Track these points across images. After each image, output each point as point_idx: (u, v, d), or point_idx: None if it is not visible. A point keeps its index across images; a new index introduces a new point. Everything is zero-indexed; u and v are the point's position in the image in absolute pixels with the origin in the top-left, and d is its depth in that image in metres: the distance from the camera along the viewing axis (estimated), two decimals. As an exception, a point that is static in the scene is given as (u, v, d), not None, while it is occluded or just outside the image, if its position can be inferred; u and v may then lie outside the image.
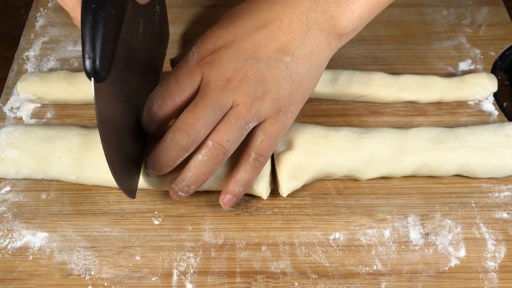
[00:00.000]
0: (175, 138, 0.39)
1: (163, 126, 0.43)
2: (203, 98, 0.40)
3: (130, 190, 0.42)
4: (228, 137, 0.40)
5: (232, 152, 0.41)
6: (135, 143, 0.43)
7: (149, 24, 0.45)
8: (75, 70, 0.57)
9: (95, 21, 0.31)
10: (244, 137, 0.42)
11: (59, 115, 0.54)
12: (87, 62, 0.31)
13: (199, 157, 0.40)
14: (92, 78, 0.32)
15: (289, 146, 0.47)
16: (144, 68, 0.45)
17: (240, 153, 0.43)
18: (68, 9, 0.35)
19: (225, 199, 0.44)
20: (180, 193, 0.43)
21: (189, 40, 0.59)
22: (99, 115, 0.35)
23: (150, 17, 0.46)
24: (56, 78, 0.53)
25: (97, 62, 0.31)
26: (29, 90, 0.53)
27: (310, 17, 0.40)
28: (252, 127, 0.41)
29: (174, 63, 0.50)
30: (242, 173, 0.43)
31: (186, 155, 0.41)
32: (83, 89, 0.53)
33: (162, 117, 0.42)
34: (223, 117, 0.41)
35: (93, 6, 0.31)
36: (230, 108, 0.41)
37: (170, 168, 0.42)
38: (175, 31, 0.60)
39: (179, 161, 0.41)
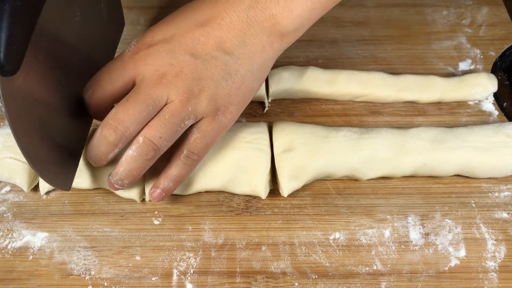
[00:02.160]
0: (103, 134, 0.39)
1: (99, 114, 0.42)
2: (135, 93, 0.39)
3: (61, 182, 0.42)
4: (160, 134, 0.39)
5: (165, 149, 0.41)
6: (66, 134, 0.42)
7: (91, 13, 0.44)
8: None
9: (6, 14, 0.30)
10: (180, 134, 0.41)
11: (59, 115, 0.54)
12: None
13: (130, 152, 0.40)
14: None
15: (289, 146, 0.47)
16: (83, 56, 0.44)
17: (173, 149, 0.42)
18: None
19: (155, 193, 0.43)
20: (115, 185, 0.42)
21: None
22: (9, 111, 0.33)
23: (92, 7, 0.44)
24: None
25: (2, 56, 0.30)
26: None
27: (250, 15, 0.40)
28: (188, 125, 0.41)
29: None
30: (173, 169, 0.42)
31: (116, 150, 0.40)
32: None
33: (94, 106, 0.42)
34: (157, 113, 0.40)
35: None
36: (165, 105, 0.40)
37: (105, 162, 0.41)
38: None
39: (111, 156, 0.41)
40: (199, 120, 0.41)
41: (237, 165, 0.46)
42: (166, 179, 0.43)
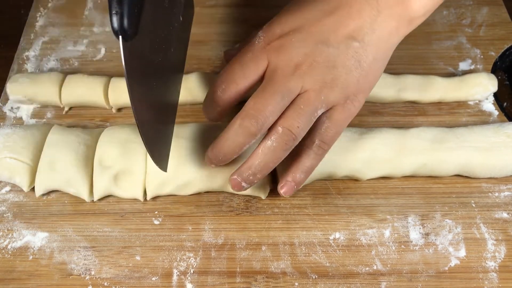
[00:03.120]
0: (244, 124, 0.39)
1: (225, 111, 0.43)
2: (271, 83, 0.39)
3: (161, 160, 0.41)
4: (298, 124, 0.39)
5: (300, 139, 0.40)
6: (166, 103, 0.42)
7: None
8: (76, 70, 0.57)
9: None
10: (312, 123, 0.40)
11: (59, 115, 0.54)
12: (114, 19, 0.30)
13: (268, 143, 0.39)
14: (120, 36, 0.30)
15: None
16: (171, 33, 0.43)
17: (301, 140, 0.41)
18: None
19: (287, 187, 0.42)
20: (243, 183, 0.41)
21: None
22: (128, 73, 0.33)
23: None
24: (47, 80, 0.53)
25: (125, 19, 0.30)
26: (19, 92, 0.52)
27: (380, 1, 0.39)
28: (320, 114, 0.40)
29: (229, 55, 0.49)
30: (305, 159, 0.42)
31: (253, 141, 0.40)
32: (75, 91, 0.52)
33: (226, 102, 0.41)
34: (291, 103, 0.39)
35: None
36: (298, 94, 0.39)
37: (235, 156, 0.41)
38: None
39: (245, 148, 0.40)
40: (329, 109, 0.41)
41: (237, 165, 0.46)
42: (298, 171, 0.42)
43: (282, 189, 0.42)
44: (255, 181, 0.41)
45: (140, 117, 0.36)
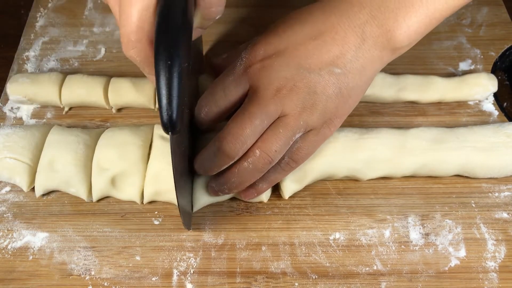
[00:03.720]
0: (222, 148, 0.39)
1: (213, 127, 0.44)
2: (250, 106, 0.39)
3: (188, 224, 0.44)
4: (275, 148, 0.39)
5: (276, 162, 0.41)
6: (188, 175, 0.45)
7: (194, 54, 0.45)
8: (75, 71, 0.57)
9: (171, 78, 0.31)
10: (289, 146, 0.41)
11: (59, 115, 0.54)
12: (165, 118, 0.32)
13: (245, 164, 0.40)
14: (170, 132, 0.33)
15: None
16: (191, 91, 0.45)
17: None
18: (139, 65, 0.36)
19: (248, 192, 0.44)
20: (219, 193, 0.44)
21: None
22: (174, 165, 0.36)
23: (195, 48, 0.45)
24: (47, 80, 0.53)
25: (174, 117, 0.32)
26: (19, 92, 0.52)
27: (366, 30, 0.39)
28: (297, 137, 0.41)
29: (216, 65, 0.50)
30: (271, 172, 0.43)
31: (231, 162, 0.41)
32: (75, 92, 0.52)
33: (209, 123, 0.43)
34: (270, 125, 0.40)
35: (168, 62, 0.31)
36: (278, 118, 0.40)
37: (216, 172, 0.42)
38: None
39: (224, 167, 0.41)
40: (305, 132, 0.41)
41: None
42: (262, 181, 0.43)
43: (243, 193, 0.44)
44: (231, 193, 0.43)
45: (179, 186, 0.38)
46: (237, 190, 0.43)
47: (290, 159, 0.42)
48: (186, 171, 0.43)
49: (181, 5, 0.32)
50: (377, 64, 0.41)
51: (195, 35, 0.37)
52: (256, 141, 0.40)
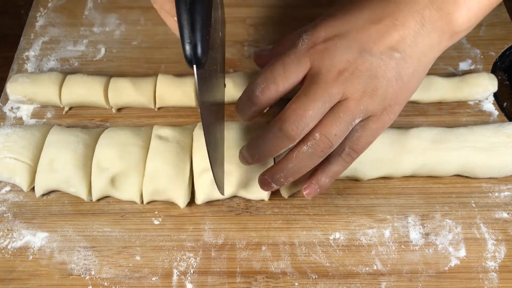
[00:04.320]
0: (284, 128, 0.39)
1: (261, 111, 0.43)
2: (313, 88, 0.39)
3: (222, 185, 0.42)
4: (335, 131, 0.39)
5: (336, 147, 0.40)
6: (221, 129, 0.42)
7: (222, 28, 0.44)
8: (75, 70, 0.57)
9: (192, 7, 0.29)
10: (348, 132, 0.40)
11: (59, 115, 0.54)
12: (188, 48, 0.30)
13: (304, 148, 0.39)
14: (194, 65, 0.31)
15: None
16: (218, 49, 0.43)
17: None
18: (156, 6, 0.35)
19: (310, 188, 0.43)
20: (273, 184, 0.42)
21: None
22: (202, 103, 0.33)
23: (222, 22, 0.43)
24: (47, 80, 0.53)
25: (198, 48, 0.30)
26: (19, 92, 0.52)
27: (425, 15, 0.39)
28: (357, 123, 0.40)
29: (260, 57, 0.49)
30: (333, 165, 0.42)
31: (291, 145, 0.40)
32: (75, 91, 0.52)
33: (263, 102, 0.41)
34: (330, 109, 0.39)
35: None
36: (339, 102, 0.39)
37: (271, 157, 0.41)
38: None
39: (282, 151, 0.40)
40: (364, 118, 0.41)
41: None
42: (323, 175, 0.42)
43: (305, 191, 0.43)
44: (285, 183, 0.42)
45: (209, 139, 0.36)
46: (293, 178, 0.41)
47: (351, 149, 0.41)
48: (219, 133, 0.40)
49: None
50: (435, 50, 0.40)
51: None
52: (316, 125, 0.39)
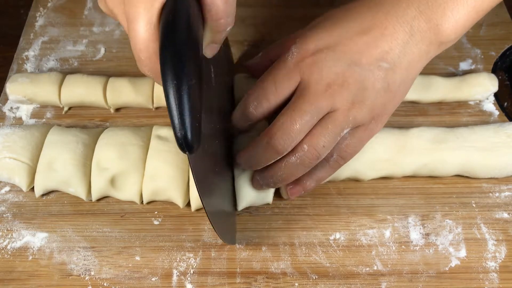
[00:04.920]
0: (271, 143, 0.39)
1: (256, 123, 0.44)
2: (301, 102, 0.39)
3: (231, 239, 0.44)
4: (323, 143, 0.40)
5: (323, 157, 0.41)
6: (226, 187, 0.44)
7: (217, 62, 0.44)
8: (75, 70, 0.57)
9: (180, 97, 0.30)
10: (336, 142, 0.41)
11: (58, 115, 0.54)
12: (180, 139, 0.31)
13: (292, 159, 0.41)
14: (187, 152, 0.32)
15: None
16: (220, 104, 0.45)
17: None
18: (156, 82, 0.35)
19: (294, 189, 0.44)
20: (263, 186, 0.44)
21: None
22: (198, 182, 0.35)
23: (217, 56, 0.44)
24: (46, 80, 0.52)
25: (189, 136, 0.31)
26: (19, 91, 0.52)
27: (414, 25, 0.39)
28: (345, 133, 0.41)
29: (253, 68, 0.50)
30: (319, 170, 0.43)
31: (279, 157, 0.41)
32: (74, 91, 0.52)
33: (257, 117, 0.42)
34: (319, 120, 0.40)
35: (175, 82, 0.30)
36: (327, 113, 0.40)
37: (262, 167, 0.42)
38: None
39: (271, 162, 0.41)
40: (353, 127, 0.41)
41: None
42: (309, 179, 0.44)
43: (290, 191, 0.45)
44: (276, 187, 0.44)
45: (209, 207, 0.37)
46: (282, 184, 0.43)
47: (339, 156, 0.42)
48: (218, 179, 0.42)
49: (184, 20, 0.31)
50: (423, 60, 0.41)
51: (211, 51, 0.37)
52: (305, 136, 0.40)
